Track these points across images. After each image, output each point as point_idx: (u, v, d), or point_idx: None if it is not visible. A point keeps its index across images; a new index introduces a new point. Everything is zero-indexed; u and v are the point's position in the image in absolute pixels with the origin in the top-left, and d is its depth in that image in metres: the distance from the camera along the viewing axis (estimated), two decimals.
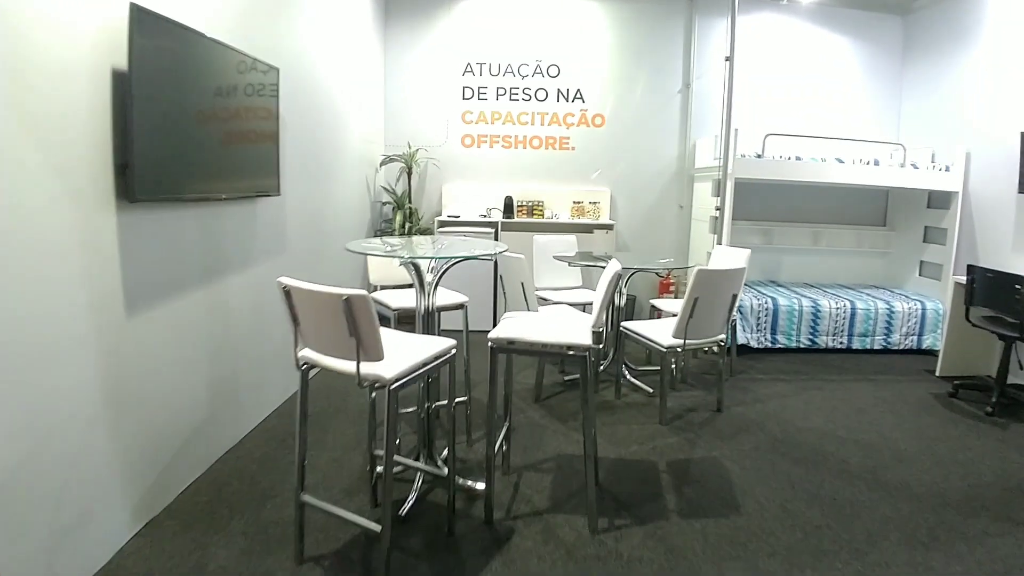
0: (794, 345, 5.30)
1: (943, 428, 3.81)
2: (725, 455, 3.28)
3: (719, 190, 5.18)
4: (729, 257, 4.52)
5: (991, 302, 4.19)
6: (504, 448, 3.04)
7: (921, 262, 5.83)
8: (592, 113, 6.09)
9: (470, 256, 2.60)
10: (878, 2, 6.01)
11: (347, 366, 2.04)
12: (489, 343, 2.47)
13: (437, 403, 2.97)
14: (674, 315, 4.10)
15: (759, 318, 5.22)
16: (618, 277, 2.46)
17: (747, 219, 5.95)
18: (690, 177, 6.12)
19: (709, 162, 5.52)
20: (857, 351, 5.39)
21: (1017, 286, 3.89)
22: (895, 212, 6.23)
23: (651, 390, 4.16)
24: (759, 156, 5.15)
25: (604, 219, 5.99)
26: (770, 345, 5.27)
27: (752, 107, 5.98)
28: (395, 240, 3.91)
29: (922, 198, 5.76)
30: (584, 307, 4.37)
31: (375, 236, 5.70)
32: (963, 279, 4.54)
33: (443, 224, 5.69)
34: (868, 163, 5.39)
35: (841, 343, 5.36)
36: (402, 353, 2.18)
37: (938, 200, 5.55)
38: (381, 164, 5.84)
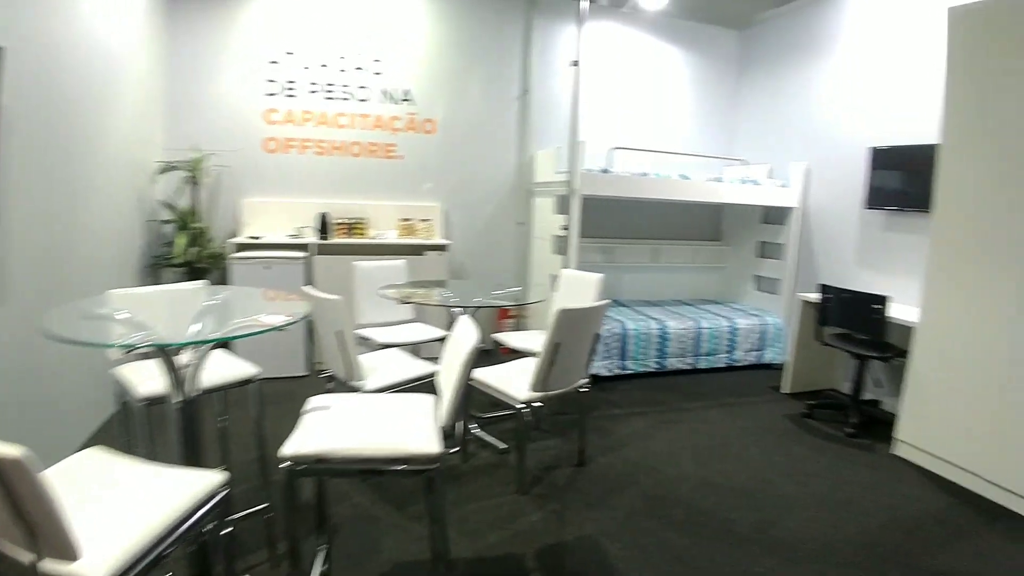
0: (643, 370, 4.97)
1: (814, 459, 3.59)
2: (601, 530, 2.71)
3: (563, 207, 4.69)
4: (579, 283, 4.01)
5: (845, 321, 4.09)
6: (326, 569, 2.21)
7: (757, 276, 5.82)
8: (422, 117, 5.32)
9: (241, 335, 1.75)
10: (715, 16, 5.93)
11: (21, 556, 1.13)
12: (284, 464, 1.65)
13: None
14: (524, 353, 3.56)
15: (608, 345, 4.81)
16: (474, 354, 1.75)
17: (588, 236, 5.56)
18: (529, 191, 5.58)
19: (550, 176, 5.03)
20: (703, 371, 5.21)
21: (874, 305, 3.79)
22: (729, 227, 6.21)
23: (503, 445, 3.52)
24: (606, 171, 4.74)
25: (437, 239, 5.23)
26: (620, 372, 4.90)
27: (595, 118, 5.61)
28: (136, 294, 2.87)
29: (758, 213, 5.76)
30: (418, 348, 3.64)
31: (150, 267, 4.48)
32: (810, 296, 4.47)
33: (241, 248, 4.59)
34: (712, 179, 5.23)
35: (688, 364, 5.14)
36: (121, 520, 1.30)
37: (775, 215, 5.55)
38: (160, 173, 4.59)
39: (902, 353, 3.77)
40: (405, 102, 5.26)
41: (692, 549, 2.60)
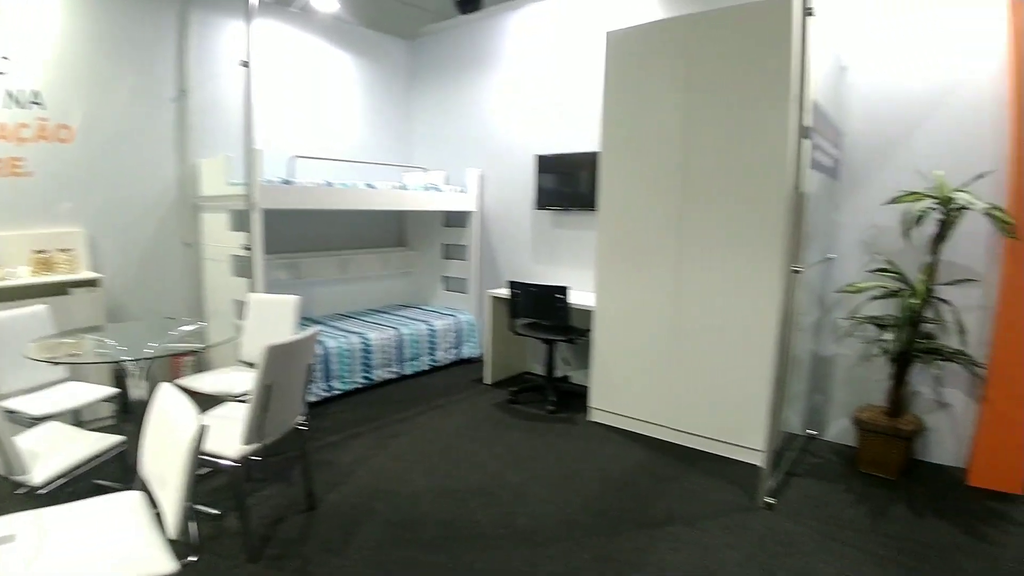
0: (351, 387, 4.77)
1: (528, 442, 3.86)
2: (354, 575, 2.49)
3: (241, 223, 4.20)
4: (272, 308, 3.63)
5: (533, 312, 4.48)
6: None
7: (445, 277, 6.05)
8: (56, 123, 4.17)
9: None
10: (386, 25, 5.91)
11: None
12: None
13: None
14: (220, 398, 3.11)
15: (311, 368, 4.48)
16: (199, 437, 1.40)
17: (270, 252, 5.08)
18: (196, 206, 4.86)
19: (221, 188, 4.44)
20: (409, 376, 5.23)
21: (557, 295, 4.21)
22: (413, 232, 6.32)
23: (215, 511, 2.98)
24: (288, 182, 4.38)
25: (84, 272, 4.16)
26: (328, 394, 4.61)
27: (269, 125, 5.12)
28: None
29: (439, 218, 5.97)
30: (79, 411, 2.89)
31: None
32: (500, 292, 4.80)
33: None
34: (398, 187, 5.22)
35: (395, 372, 5.10)
36: None
37: (456, 219, 5.82)
38: None
39: (584, 333, 4.30)
40: (35, 106, 4.07)
41: (450, 564, 2.55)
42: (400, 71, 6.26)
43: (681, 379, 3.76)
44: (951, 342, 3.35)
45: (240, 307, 4.06)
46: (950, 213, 3.19)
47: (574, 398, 4.57)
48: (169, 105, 4.69)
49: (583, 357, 4.69)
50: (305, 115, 5.53)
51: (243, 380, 3.30)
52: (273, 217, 4.32)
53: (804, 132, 2.78)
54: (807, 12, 2.71)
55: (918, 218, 3.19)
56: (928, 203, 3.20)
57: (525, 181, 5.26)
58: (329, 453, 3.68)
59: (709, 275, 3.59)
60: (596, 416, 4.21)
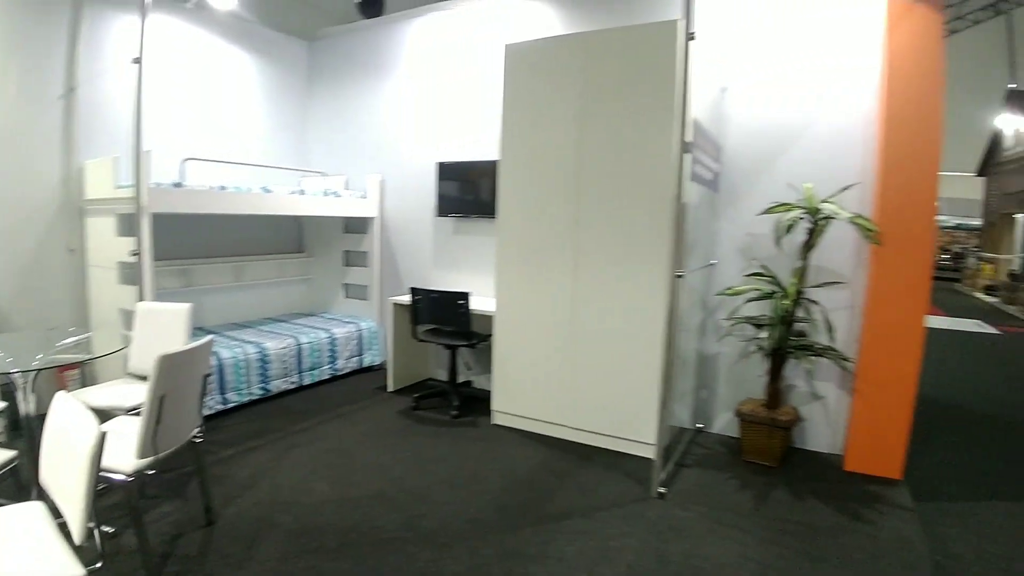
0: (247, 400, 4.60)
1: (432, 446, 3.89)
2: None
3: (129, 228, 3.98)
4: (162, 317, 3.46)
5: (435, 318, 4.51)
6: None
7: (346, 284, 5.96)
8: None
9: None
10: (285, 24, 5.75)
11: None
12: None
13: None
14: (110, 412, 2.96)
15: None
16: (101, 444, 1.37)
17: (160, 259, 4.82)
18: (80, 210, 4.53)
19: (109, 191, 4.18)
20: (309, 386, 5.11)
21: (459, 301, 4.27)
22: (311, 238, 6.19)
23: (112, 529, 2.81)
24: (178, 185, 4.18)
25: None
26: (223, 407, 4.42)
27: (161, 125, 4.85)
28: None
29: (339, 223, 5.88)
30: None
31: None
32: (402, 299, 4.80)
33: None
34: (295, 191, 5.10)
35: (293, 382, 4.97)
36: None
37: (356, 225, 5.75)
38: None
39: (486, 337, 4.38)
40: None
41: (355, 569, 2.55)
42: (299, 73, 6.11)
43: (578, 380, 3.92)
44: (821, 339, 3.70)
45: (128, 316, 3.85)
46: (818, 222, 3.53)
47: (477, 402, 4.64)
48: (57, 103, 4.37)
49: (485, 361, 4.78)
50: (199, 115, 5.29)
51: (134, 393, 3.15)
52: (163, 222, 4.11)
53: (685, 147, 3.01)
54: (689, 36, 2.93)
55: (788, 227, 3.50)
56: (798, 213, 3.52)
57: (426, 188, 5.29)
58: (226, 467, 3.55)
59: (602, 280, 3.78)
60: (499, 419, 4.30)
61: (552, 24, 4.64)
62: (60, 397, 1.66)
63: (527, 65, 3.96)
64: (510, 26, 4.82)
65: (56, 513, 1.69)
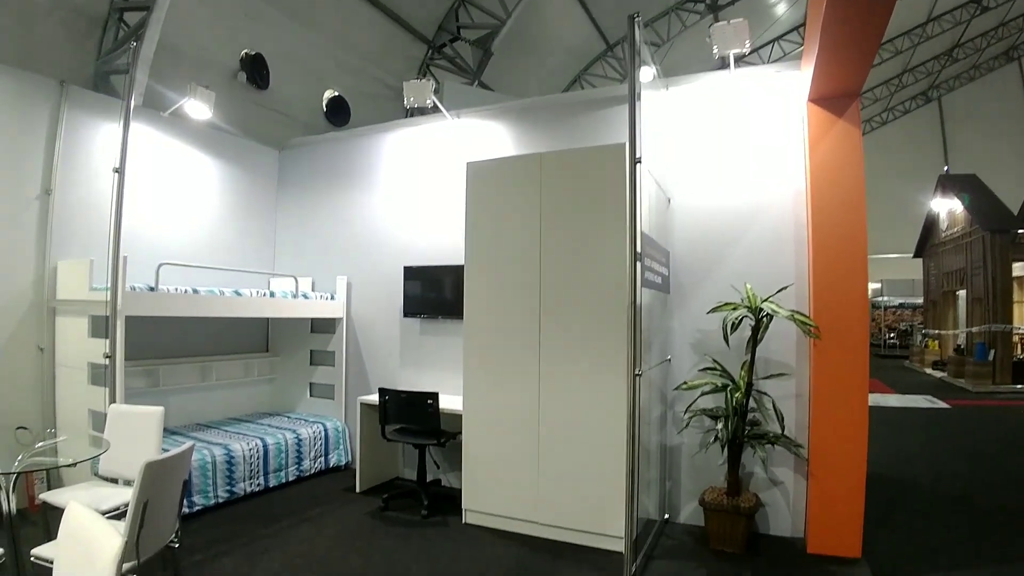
0: (212, 503, 4.54)
1: (403, 548, 3.91)
2: None
3: (103, 329, 4.05)
4: (133, 420, 3.49)
5: (403, 417, 4.61)
6: None
7: (312, 384, 6.01)
8: None
9: None
10: (256, 133, 6.06)
11: None
12: None
13: None
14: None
15: None
16: (121, 559, 1.47)
17: (128, 359, 4.83)
18: (51, 309, 4.57)
19: (82, 293, 4.26)
20: (274, 488, 5.06)
21: (428, 401, 4.40)
22: (278, 338, 6.27)
23: None
24: (153, 289, 4.30)
25: None
26: (188, 511, 4.36)
27: (135, 230, 4.97)
28: None
29: (306, 323, 6.00)
30: None
31: None
32: (370, 398, 4.89)
33: None
34: (265, 294, 5.24)
35: (259, 485, 4.92)
36: None
37: (323, 325, 5.88)
38: None
39: (454, 435, 4.49)
40: None
41: None
42: (270, 179, 6.39)
43: (546, 475, 4.04)
44: (774, 428, 3.94)
45: (97, 417, 3.85)
46: (760, 319, 3.85)
47: (447, 501, 4.67)
48: (33, 204, 4.50)
49: (454, 459, 4.84)
50: (172, 219, 5.48)
51: (109, 496, 3.16)
52: (133, 323, 4.20)
53: (637, 256, 3.30)
54: (636, 160, 3.29)
55: (734, 324, 3.81)
56: (742, 312, 3.84)
57: (393, 289, 5.50)
58: (198, 572, 3.50)
59: (566, 378, 3.98)
60: (470, 518, 4.34)
61: (505, 142, 5.09)
62: (73, 505, 1.73)
63: (487, 180, 4.31)
64: (472, 143, 5.25)
65: None
